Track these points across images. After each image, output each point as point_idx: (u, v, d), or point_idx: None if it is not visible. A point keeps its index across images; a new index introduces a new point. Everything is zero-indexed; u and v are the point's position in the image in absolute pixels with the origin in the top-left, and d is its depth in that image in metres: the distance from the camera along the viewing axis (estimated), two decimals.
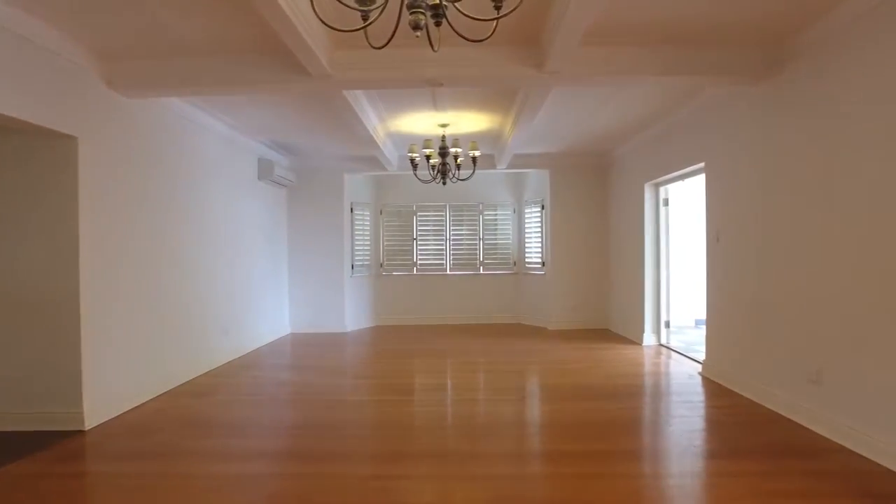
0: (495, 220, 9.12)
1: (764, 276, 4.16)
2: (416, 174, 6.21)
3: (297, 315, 8.14)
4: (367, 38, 2.07)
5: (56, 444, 3.40)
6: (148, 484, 2.89)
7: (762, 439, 3.43)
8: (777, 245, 3.99)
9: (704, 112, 5.06)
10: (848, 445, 3.21)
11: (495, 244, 9.11)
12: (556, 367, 5.65)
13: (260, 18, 3.04)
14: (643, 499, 2.67)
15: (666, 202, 6.58)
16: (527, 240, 8.90)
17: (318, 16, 1.97)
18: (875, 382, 3.05)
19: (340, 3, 1.85)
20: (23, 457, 3.19)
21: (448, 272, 9.05)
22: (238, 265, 6.32)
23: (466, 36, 2.03)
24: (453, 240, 9.08)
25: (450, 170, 6.08)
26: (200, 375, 5.28)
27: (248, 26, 3.40)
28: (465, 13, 1.88)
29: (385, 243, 9.07)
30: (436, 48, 1.96)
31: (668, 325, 6.65)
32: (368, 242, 8.83)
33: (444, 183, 6.23)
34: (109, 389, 3.95)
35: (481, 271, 9.07)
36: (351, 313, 8.33)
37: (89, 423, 3.71)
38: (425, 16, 1.81)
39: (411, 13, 1.79)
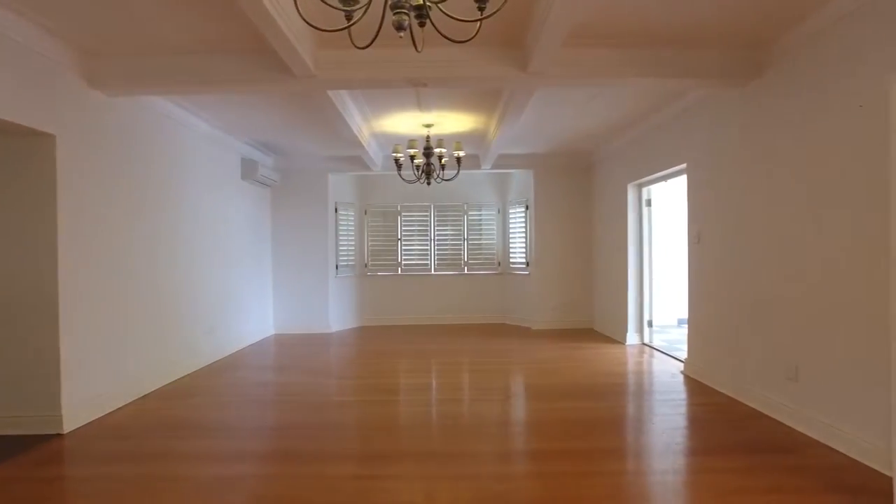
0: (480, 220, 9.15)
1: (743, 276, 4.23)
2: (400, 174, 6.20)
3: (282, 315, 8.09)
4: (350, 39, 2.07)
5: (33, 449, 3.34)
6: (128, 487, 2.85)
7: (741, 436, 3.49)
8: (755, 246, 4.06)
9: (686, 114, 5.13)
10: (823, 440, 3.28)
11: (480, 244, 9.14)
12: (541, 366, 5.69)
13: (243, 17, 3.02)
14: (626, 496, 2.70)
15: (649, 203, 6.66)
16: (511, 240, 8.93)
17: (301, 15, 1.96)
18: (849, 379, 3.12)
19: (324, 2, 1.85)
20: None
21: (433, 272, 9.05)
22: (221, 265, 6.26)
23: (450, 37, 2.04)
24: (438, 240, 9.09)
25: (434, 170, 6.09)
26: (183, 377, 5.22)
27: (231, 25, 3.38)
28: (449, 14, 1.89)
29: (370, 243, 9.05)
30: (419, 49, 1.97)
31: (650, 324, 6.72)
32: (353, 243, 8.80)
33: (429, 183, 6.24)
34: (89, 391, 3.89)
35: (466, 271, 9.09)
36: (335, 314, 8.29)
37: (68, 426, 3.65)
38: (409, 16, 1.82)
39: (395, 13, 1.79)
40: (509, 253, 8.98)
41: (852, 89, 3.09)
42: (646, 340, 6.72)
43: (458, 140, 6.23)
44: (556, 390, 4.71)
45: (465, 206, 9.07)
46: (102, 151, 4.12)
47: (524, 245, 8.61)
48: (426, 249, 9.09)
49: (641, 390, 4.84)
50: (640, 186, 6.66)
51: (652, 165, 5.99)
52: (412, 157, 5.80)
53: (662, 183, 6.30)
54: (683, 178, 5.34)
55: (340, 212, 8.45)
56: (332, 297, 8.20)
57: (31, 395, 3.61)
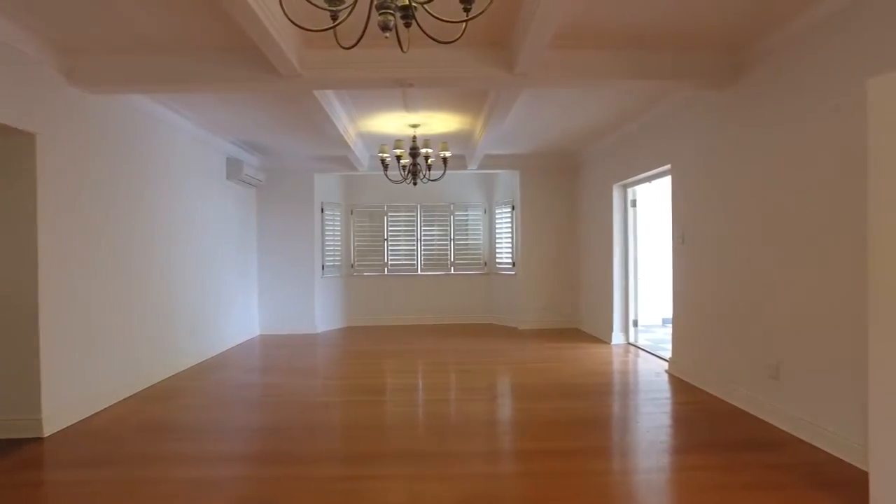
0: (466, 220, 9.16)
1: (726, 275, 4.29)
2: (386, 175, 6.19)
3: (267, 316, 8.04)
4: (336, 39, 2.06)
5: (12, 453, 3.29)
6: (109, 491, 2.81)
7: (724, 434, 3.53)
8: (738, 246, 4.12)
9: (670, 115, 5.18)
10: (803, 437, 3.34)
11: (466, 244, 9.15)
12: (527, 366, 5.71)
13: (229, 16, 2.99)
14: (611, 494, 2.72)
15: (634, 203, 6.72)
16: (497, 240, 8.96)
17: (286, 15, 1.95)
18: (828, 377, 3.17)
19: (310, 2, 1.84)
20: None
21: (419, 273, 9.05)
22: (205, 265, 6.21)
23: (436, 37, 2.04)
24: (424, 240, 9.09)
25: (420, 170, 6.09)
26: (166, 378, 5.16)
27: (215, 23, 3.35)
28: (435, 15, 1.90)
29: (356, 244, 9.02)
30: (405, 49, 1.97)
31: (635, 324, 6.78)
32: (339, 243, 8.76)
33: (415, 183, 6.24)
34: (70, 394, 3.83)
35: (452, 272, 9.09)
36: (321, 314, 8.26)
37: (48, 429, 3.60)
38: (394, 17, 1.82)
39: (380, 14, 1.79)
40: (495, 253, 9.00)
41: (830, 93, 3.15)
42: (631, 340, 6.77)
43: (445, 140, 6.23)
44: (541, 390, 4.73)
45: (452, 206, 9.08)
46: (84, 150, 4.06)
47: (510, 245, 8.64)
48: (413, 250, 9.08)
49: (626, 389, 4.88)
50: (625, 187, 6.72)
51: (637, 166, 6.05)
52: (398, 158, 5.79)
53: (647, 184, 6.36)
54: (668, 179, 5.39)
55: (326, 212, 8.41)
56: (318, 297, 8.16)
57: (9, 399, 3.55)
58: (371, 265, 9.03)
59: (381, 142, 6.46)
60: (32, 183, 3.54)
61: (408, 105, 5.26)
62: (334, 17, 1.86)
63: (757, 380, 3.86)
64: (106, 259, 4.32)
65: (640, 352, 6.32)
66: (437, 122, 5.97)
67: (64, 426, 3.74)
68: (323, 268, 8.30)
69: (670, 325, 5.41)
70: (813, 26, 3.27)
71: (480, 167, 7.84)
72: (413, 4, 1.83)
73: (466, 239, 9.15)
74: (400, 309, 8.93)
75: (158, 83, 4.05)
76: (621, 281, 6.77)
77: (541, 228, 8.22)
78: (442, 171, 6.26)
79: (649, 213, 7.44)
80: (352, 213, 8.98)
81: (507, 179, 8.66)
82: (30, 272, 3.55)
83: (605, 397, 4.60)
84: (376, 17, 1.80)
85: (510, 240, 8.64)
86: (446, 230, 9.11)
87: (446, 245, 9.11)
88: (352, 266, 8.97)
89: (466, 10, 1.85)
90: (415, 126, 5.92)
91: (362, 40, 1.96)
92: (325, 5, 1.82)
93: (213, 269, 6.42)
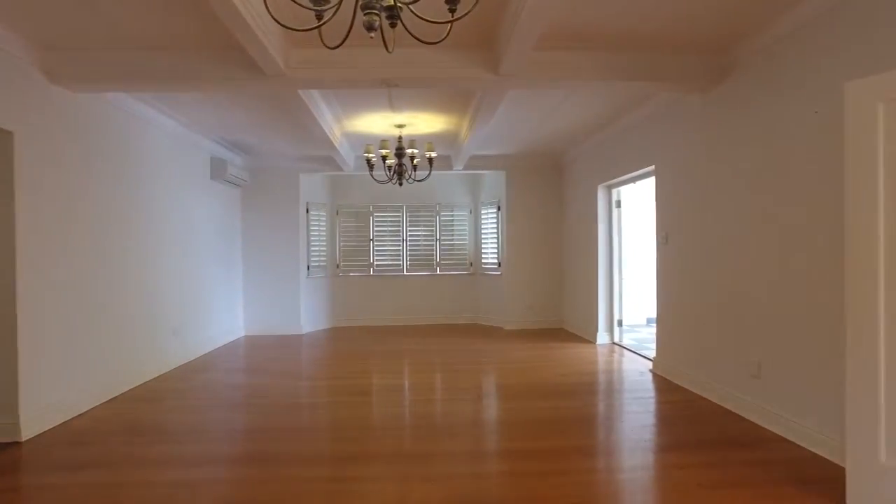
0: (452, 220, 9.17)
1: (708, 275, 4.34)
2: (372, 175, 6.18)
3: (252, 317, 7.97)
4: (321, 38, 2.05)
5: None
6: (87, 495, 2.76)
7: (707, 432, 3.57)
8: (721, 246, 4.17)
9: (655, 117, 5.23)
10: (784, 435, 3.39)
11: (452, 245, 9.15)
12: (512, 366, 5.73)
13: (213, 15, 2.97)
14: (596, 493, 2.74)
15: (618, 204, 6.77)
16: (483, 240, 8.98)
17: (271, 14, 1.94)
18: (807, 376, 3.23)
19: (295, 2, 1.83)
20: None
21: (405, 273, 9.03)
22: (189, 266, 6.14)
23: (421, 38, 2.04)
24: (410, 240, 9.08)
25: (406, 170, 6.08)
26: (149, 380, 5.10)
27: (199, 22, 3.31)
28: (420, 15, 1.89)
29: (341, 244, 8.98)
30: (390, 49, 1.97)
31: (620, 323, 6.83)
32: (324, 243, 8.72)
33: (401, 184, 6.23)
34: (49, 397, 3.77)
35: (438, 272, 9.09)
36: (307, 315, 8.21)
37: (26, 433, 3.53)
38: (380, 17, 1.81)
39: (365, 14, 1.78)
40: (481, 253, 9.02)
41: (809, 96, 3.20)
42: (616, 340, 6.83)
43: (430, 141, 6.23)
44: (527, 390, 4.75)
45: (438, 206, 9.08)
46: (64, 149, 4.00)
47: (496, 245, 8.66)
48: (398, 250, 9.06)
49: (611, 389, 4.92)
50: (610, 188, 6.77)
51: (621, 167, 6.09)
52: (384, 158, 5.77)
53: (632, 184, 6.41)
54: (652, 180, 5.44)
55: (312, 212, 8.37)
56: (303, 298, 8.11)
57: None
58: (357, 266, 8.99)
59: (366, 142, 6.44)
60: (9, 181, 3.48)
61: (394, 105, 5.25)
62: (319, 17, 1.85)
63: (739, 378, 3.91)
64: (86, 259, 4.26)
65: (625, 351, 6.38)
66: (423, 123, 5.97)
67: (43, 430, 3.68)
68: (308, 268, 8.25)
69: (654, 325, 5.46)
70: (793, 31, 3.32)
71: (466, 167, 7.86)
72: (398, 5, 1.82)
73: (452, 239, 9.16)
74: (386, 309, 8.91)
75: (141, 82, 4.00)
76: (606, 281, 6.82)
77: (526, 229, 8.25)
78: (427, 172, 6.25)
79: (634, 213, 7.51)
80: (337, 213, 8.94)
81: (493, 180, 8.69)
82: (7, 272, 3.49)
83: (591, 397, 4.63)
84: (361, 18, 1.80)
85: (496, 240, 8.66)
86: (432, 230, 9.11)
87: (432, 245, 9.11)
88: (337, 266, 8.93)
89: (452, 11, 1.85)
90: (400, 126, 5.91)
91: (347, 40, 1.95)
92: (310, 5, 1.81)
93: (197, 269, 6.35)
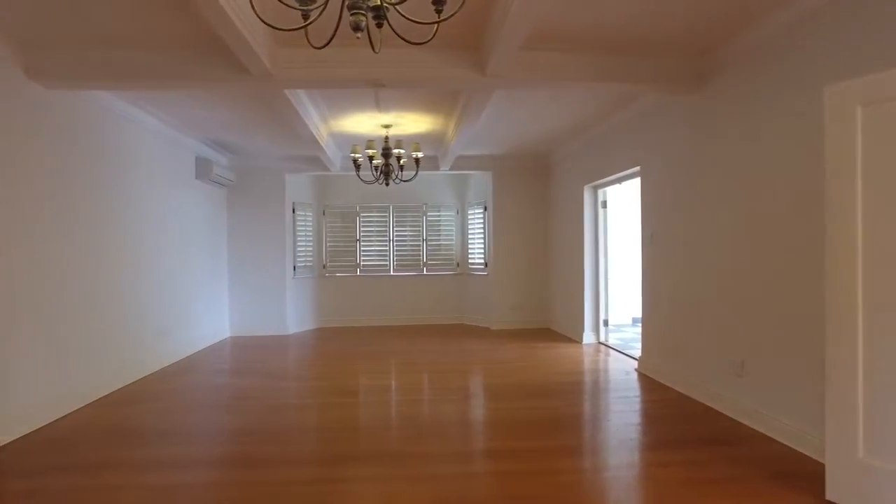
0: (439, 221, 9.17)
1: (693, 275, 4.39)
2: (359, 175, 6.16)
3: (238, 318, 7.90)
4: (307, 38, 2.05)
5: None
6: (71, 500, 2.72)
7: (691, 430, 3.62)
8: (705, 246, 4.22)
9: (640, 118, 5.28)
10: (767, 433, 3.44)
11: (439, 245, 9.16)
12: (499, 366, 5.75)
13: (198, 13, 2.94)
14: (583, 492, 2.76)
15: (604, 204, 6.82)
16: (470, 241, 8.99)
17: (257, 14, 1.93)
18: (788, 374, 3.28)
19: (281, 2, 1.82)
20: None
21: (392, 273, 9.02)
22: (174, 266, 6.08)
23: (408, 38, 2.04)
24: (397, 241, 9.07)
25: (393, 171, 6.07)
26: (133, 382, 5.03)
27: (184, 20, 3.28)
28: (407, 16, 1.90)
29: (328, 244, 8.95)
30: (377, 49, 1.97)
31: (606, 323, 6.88)
32: (311, 243, 8.68)
33: (388, 184, 6.22)
34: (27, 401, 3.70)
35: (425, 272, 9.09)
36: (293, 315, 8.17)
37: (5, 437, 3.46)
38: (366, 17, 1.81)
39: (352, 14, 1.78)
40: (468, 254, 9.03)
41: (790, 99, 3.25)
42: (602, 339, 6.87)
43: (417, 141, 6.23)
44: (514, 389, 4.77)
45: (424, 206, 9.08)
46: (41, 147, 3.93)
47: (483, 246, 8.68)
48: (385, 250, 9.05)
49: (597, 388, 4.96)
50: (595, 188, 6.82)
51: (607, 168, 6.14)
52: (371, 158, 5.76)
53: (618, 185, 6.46)
54: (638, 181, 5.49)
55: (298, 212, 8.32)
56: (289, 298, 8.07)
57: None
58: (343, 266, 8.96)
59: (353, 142, 6.43)
60: None
61: (380, 105, 5.24)
62: (305, 17, 1.85)
63: (723, 377, 3.96)
64: (67, 260, 4.19)
65: (611, 351, 6.42)
66: (410, 123, 5.96)
67: (23, 434, 3.61)
68: (295, 268, 8.21)
69: (640, 325, 5.51)
70: (775, 34, 3.37)
71: (453, 168, 7.86)
72: (385, 5, 1.83)
73: (439, 239, 9.16)
74: (372, 310, 8.89)
75: (123, 80, 3.95)
76: (592, 281, 6.87)
77: (513, 229, 8.28)
78: (414, 172, 6.25)
79: (620, 214, 7.56)
80: (324, 213, 8.90)
81: (480, 180, 8.70)
82: None
83: (577, 396, 4.66)
84: (348, 18, 1.79)
85: (482, 240, 8.68)
86: (419, 231, 9.11)
87: (419, 246, 9.11)
88: (324, 267, 8.89)
89: (438, 12, 1.85)
90: (387, 126, 5.90)
91: (334, 40, 1.95)
92: (297, 5, 1.81)
93: (181, 269, 6.29)
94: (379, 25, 1.86)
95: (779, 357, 3.38)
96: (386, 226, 9.04)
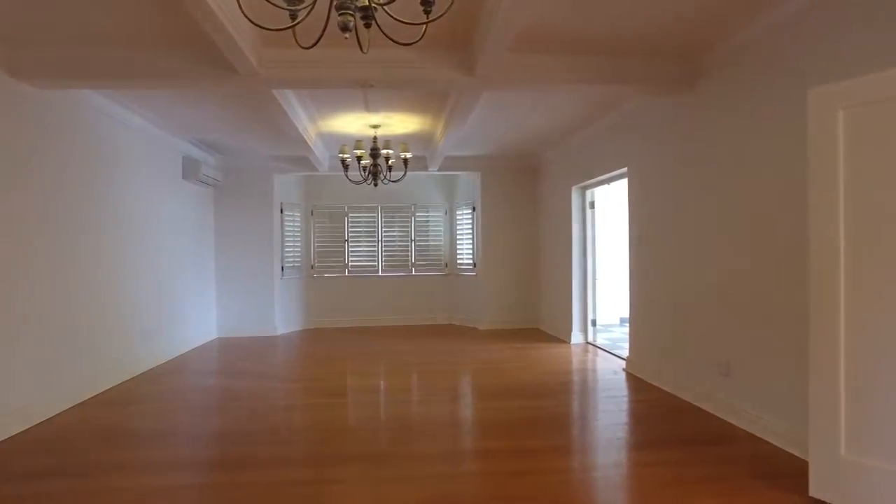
0: (427, 221, 9.17)
1: (680, 275, 4.43)
2: (347, 175, 6.14)
3: (226, 319, 7.84)
4: (295, 38, 2.04)
5: None
6: (59, 502, 2.70)
7: (678, 429, 3.65)
8: (691, 247, 4.26)
9: (628, 119, 5.31)
10: (752, 431, 3.48)
11: (427, 245, 9.16)
12: (488, 366, 5.76)
13: (184, 11, 2.91)
14: (572, 491, 2.78)
15: (592, 205, 6.86)
16: (458, 241, 9.00)
17: (244, 13, 1.92)
18: (773, 373, 3.32)
19: (268, 1, 1.82)
20: None
21: (380, 274, 9.01)
22: (161, 267, 6.02)
23: (396, 39, 2.04)
24: (385, 241, 9.05)
25: (381, 171, 6.06)
26: (120, 383, 4.98)
27: (171, 18, 3.25)
28: (395, 17, 1.90)
29: (316, 244, 8.91)
30: (365, 50, 1.96)
31: (594, 323, 6.92)
32: (299, 244, 8.64)
33: (376, 184, 6.21)
34: (12, 403, 3.65)
35: (413, 272, 9.08)
36: (281, 316, 8.12)
37: None
38: (354, 17, 1.81)
39: (340, 14, 1.78)
40: (456, 254, 9.04)
41: (776, 101, 3.29)
42: (590, 339, 6.91)
43: (405, 141, 6.23)
44: (502, 390, 4.78)
45: (413, 207, 9.07)
46: (25, 147, 3.87)
47: (471, 246, 8.69)
48: (373, 250, 9.03)
49: (585, 388, 4.98)
50: (583, 189, 6.85)
51: (595, 169, 6.18)
52: (359, 158, 5.75)
53: (605, 186, 6.50)
54: (625, 182, 5.52)
55: (286, 212, 8.28)
56: (277, 299, 8.02)
57: None
58: (332, 266, 8.93)
59: (341, 142, 6.41)
60: None
61: (369, 106, 5.23)
62: (293, 17, 1.84)
63: (710, 377, 4.00)
64: (51, 259, 4.14)
65: (599, 351, 6.46)
66: (399, 123, 5.96)
67: (8, 435, 3.56)
68: (283, 269, 8.17)
69: (628, 325, 5.55)
70: (761, 37, 3.42)
71: (441, 168, 7.87)
72: (373, 5, 1.82)
73: (427, 240, 9.16)
74: (361, 310, 8.87)
75: (108, 78, 3.91)
76: (580, 281, 6.91)
77: (501, 230, 8.30)
78: (403, 173, 6.25)
79: (607, 214, 7.61)
80: (312, 213, 8.87)
81: (468, 181, 8.72)
82: None
83: (565, 396, 4.68)
84: (336, 18, 1.79)
85: (471, 241, 8.69)
86: (407, 231, 9.10)
87: (407, 246, 9.10)
88: (312, 267, 8.86)
89: (427, 13, 1.86)
90: (376, 127, 5.89)
91: (322, 40, 1.94)
92: (284, 5, 1.80)
93: (168, 270, 6.23)
94: (367, 26, 1.85)
95: (763, 356, 3.42)
96: (374, 226, 9.02)
